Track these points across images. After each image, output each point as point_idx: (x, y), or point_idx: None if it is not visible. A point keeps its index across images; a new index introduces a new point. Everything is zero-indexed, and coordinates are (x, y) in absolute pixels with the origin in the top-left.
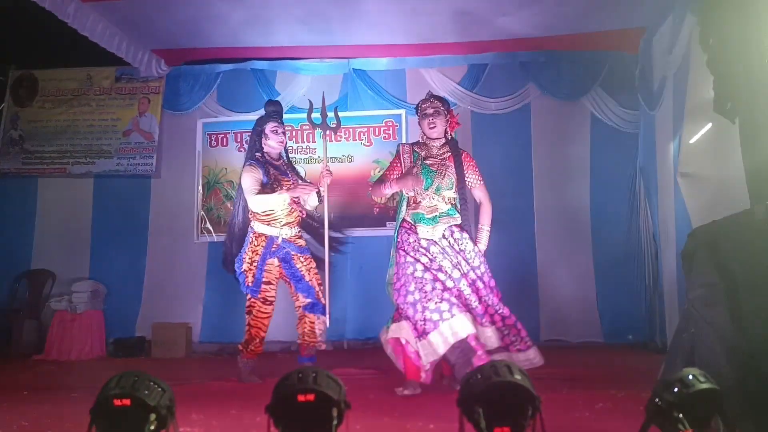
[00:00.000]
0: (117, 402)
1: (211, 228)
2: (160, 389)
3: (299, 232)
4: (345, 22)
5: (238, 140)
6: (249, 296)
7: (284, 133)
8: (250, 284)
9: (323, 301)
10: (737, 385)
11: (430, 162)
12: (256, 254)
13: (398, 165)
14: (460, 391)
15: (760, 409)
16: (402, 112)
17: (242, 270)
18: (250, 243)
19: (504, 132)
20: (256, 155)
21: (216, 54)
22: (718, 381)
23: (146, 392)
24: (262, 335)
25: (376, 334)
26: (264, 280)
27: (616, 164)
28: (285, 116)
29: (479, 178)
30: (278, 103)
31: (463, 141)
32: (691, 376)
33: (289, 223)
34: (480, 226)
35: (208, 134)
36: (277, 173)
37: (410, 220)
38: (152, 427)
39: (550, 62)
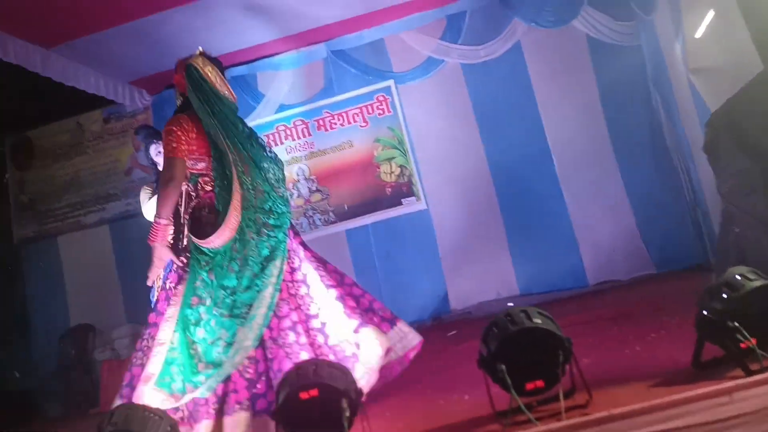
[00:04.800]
0: None
1: None
2: (157, 417)
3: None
4: (310, 3)
5: None
6: None
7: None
8: None
9: None
10: None
11: None
12: None
13: None
14: (480, 349)
15: None
16: (390, 83)
17: None
18: None
19: (500, 77)
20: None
21: None
22: None
23: (143, 424)
24: None
25: (411, 318)
26: None
27: (625, 82)
28: (274, 116)
29: None
30: (146, 127)
31: (459, 97)
32: (738, 276)
33: None
34: None
35: None
36: None
37: None
38: None
39: None
